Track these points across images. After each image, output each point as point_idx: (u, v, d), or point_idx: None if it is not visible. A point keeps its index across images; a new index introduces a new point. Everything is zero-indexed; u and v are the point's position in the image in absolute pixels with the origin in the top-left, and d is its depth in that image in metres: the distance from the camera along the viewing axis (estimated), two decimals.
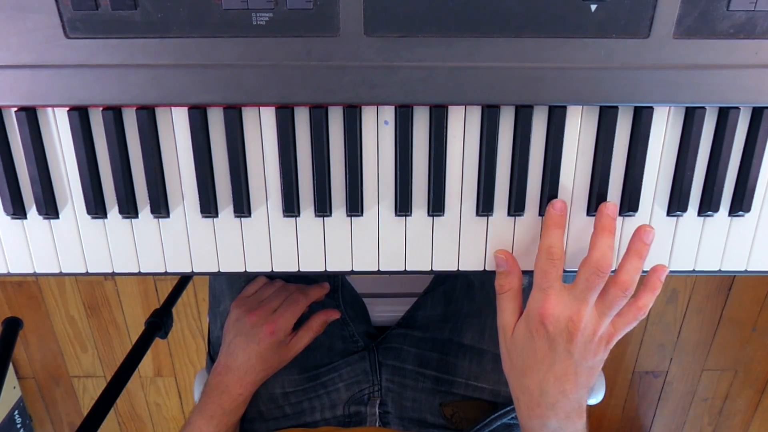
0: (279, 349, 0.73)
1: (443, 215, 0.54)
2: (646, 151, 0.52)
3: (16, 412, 1.66)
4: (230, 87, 0.48)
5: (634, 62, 0.48)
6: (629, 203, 0.53)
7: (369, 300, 0.91)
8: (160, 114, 0.51)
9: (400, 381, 0.78)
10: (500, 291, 0.56)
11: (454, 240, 0.55)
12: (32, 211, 0.54)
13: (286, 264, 0.56)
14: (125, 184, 0.52)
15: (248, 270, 0.56)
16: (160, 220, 0.54)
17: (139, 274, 0.56)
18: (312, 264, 0.56)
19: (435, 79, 0.48)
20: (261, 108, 0.51)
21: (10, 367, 1.64)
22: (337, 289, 0.82)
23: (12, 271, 0.56)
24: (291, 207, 0.53)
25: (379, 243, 0.55)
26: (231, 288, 0.80)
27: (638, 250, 0.52)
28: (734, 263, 0.57)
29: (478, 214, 0.54)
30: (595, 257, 0.51)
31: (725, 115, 0.51)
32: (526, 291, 0.70)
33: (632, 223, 0.55)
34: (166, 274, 0.56)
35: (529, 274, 0.58)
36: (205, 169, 0.52)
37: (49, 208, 0.53)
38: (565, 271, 0.56)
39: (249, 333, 0.72)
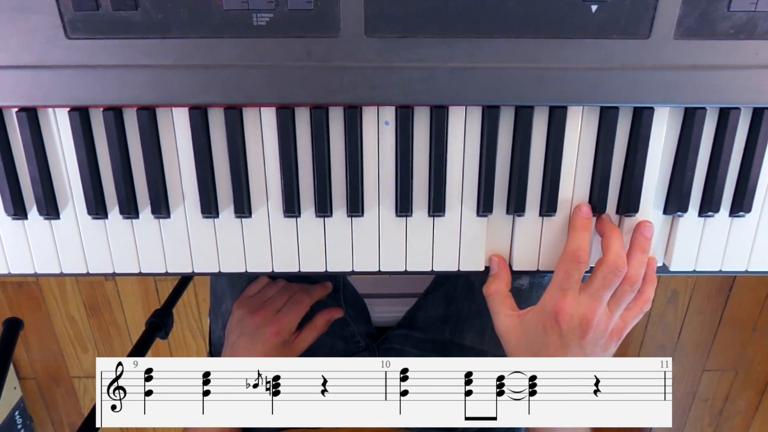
0: (283, 349, 0.73)
1: (444, 215, 0.54)
2: (646, 152, 0.52)
3: (16, 413, 1.66)
4: (231, 87, 0.48)
5: (634, 63, 0.48)
6: (629, 203, 0.53)
7: (369, 300, 0.91)
8: (161, 114, 0.51)
9: None
10: (486, 293, 0.58)
11: (454, 240, 0.55)
12: (33, 212, 0.54)
13: (286, 264, 0.56)
14: (126, 185, 0.52)
15: (249, 270, 0.56)
16: (160, 220, 0.54)
17: (140, 274, 0.56)
18: (313, 264, 0.56)
19: (435, 79, 0.48)
20: (262, 108, 0.51)
21: (11, 367, 1.64)
22: (338, 288, 0.82)
23: (13, 271, 0.56)
24: (292, 207, 0.53)
25: (379, 243, 0.55)
26: (233, 288, 0.80)
27: (641, 245, 0.54)
28: (735, 264, 0.57)
29: (478, 214, 0.54)
30: (612, 258, 0.52)
31: (726, 116, 0.51)
32: (525, 291, 0.70)
33: (632, 223, 0.55)
34: (166, 274, 0.56)
35: (528, 274, 0.58)
36: (206, 170, 0.52)
37: (50, 208, 0.53)
38: None
39: (253, 333, 0.72)
